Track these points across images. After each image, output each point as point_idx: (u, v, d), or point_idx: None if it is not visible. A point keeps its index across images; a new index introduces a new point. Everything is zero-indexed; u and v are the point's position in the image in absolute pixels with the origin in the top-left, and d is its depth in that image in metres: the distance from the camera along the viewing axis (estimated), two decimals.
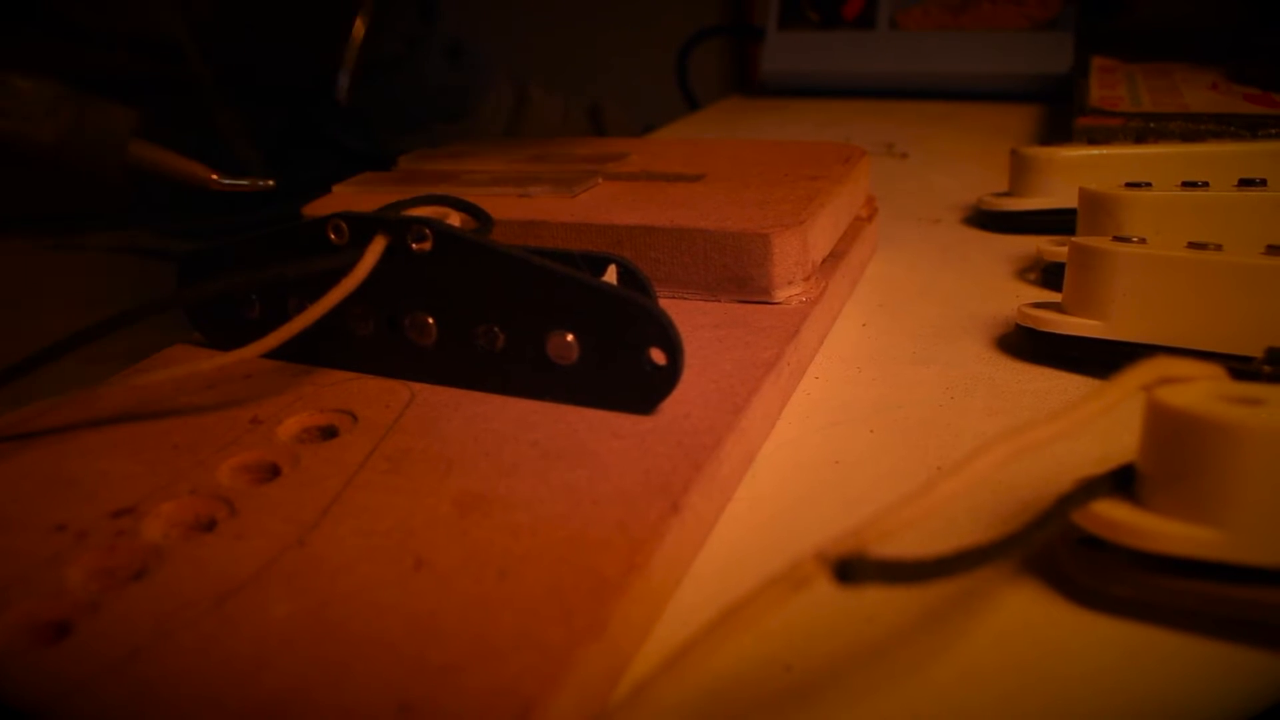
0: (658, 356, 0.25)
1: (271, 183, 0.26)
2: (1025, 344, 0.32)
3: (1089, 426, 0.19)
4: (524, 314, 0.26)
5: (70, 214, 0.54)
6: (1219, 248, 0.29)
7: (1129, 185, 0.35)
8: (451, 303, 0.27)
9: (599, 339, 0.25)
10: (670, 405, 0.25)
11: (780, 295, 0.33)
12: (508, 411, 0.26)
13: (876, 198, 0.44)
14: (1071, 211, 0.37)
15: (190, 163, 0.26)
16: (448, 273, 0.27)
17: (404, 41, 0.75)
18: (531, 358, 0.26)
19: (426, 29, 0.78)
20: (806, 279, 0.33)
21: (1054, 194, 0.43)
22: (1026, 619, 0.20)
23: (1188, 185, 0.35)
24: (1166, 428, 0.19)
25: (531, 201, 0.37)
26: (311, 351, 0.29)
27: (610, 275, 0.28)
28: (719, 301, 0.33)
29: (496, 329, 0.27)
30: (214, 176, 0.26)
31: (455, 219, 0.29)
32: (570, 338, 0.26)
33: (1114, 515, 0.20)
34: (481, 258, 0.26)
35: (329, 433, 0.26)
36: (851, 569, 0.15)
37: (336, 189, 0.40)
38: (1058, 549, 0.21)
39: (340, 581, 0.19)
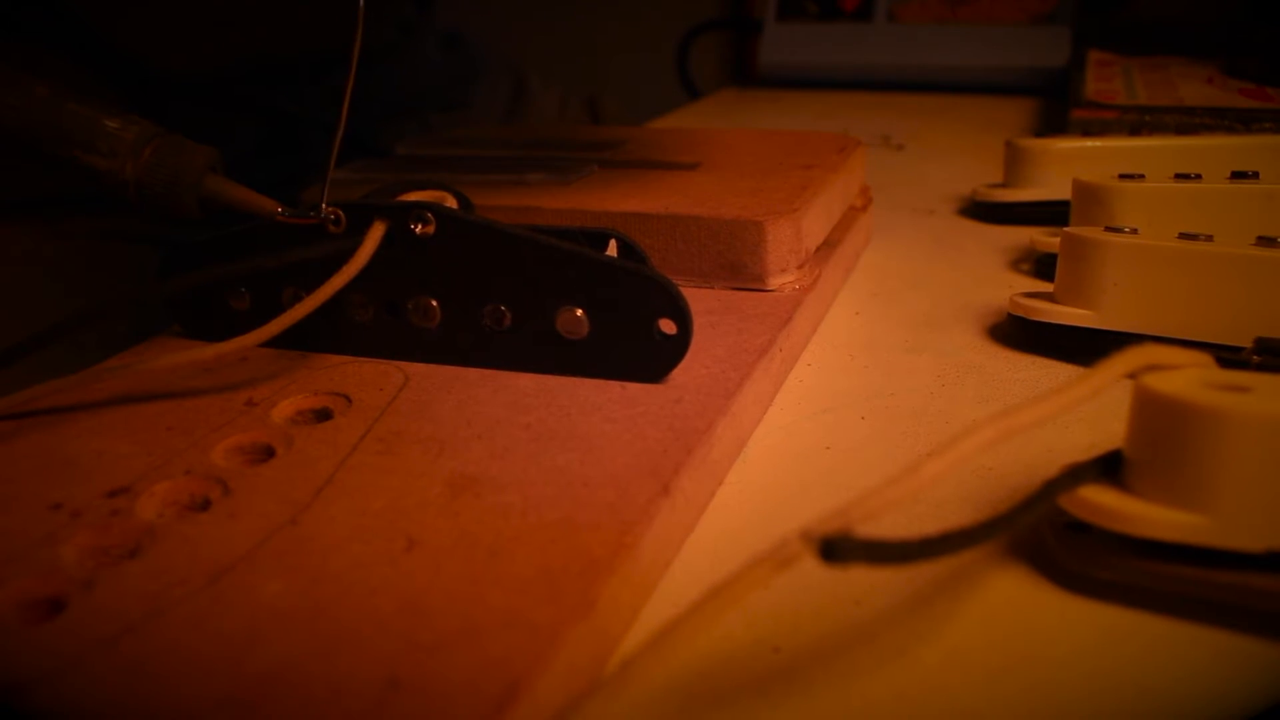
0: (667, 327, 0.26)
1: (338, 214, 0.27)
2: (1017, 333, 0.32)
3: (1075, 410, 0.19)
4: (532, 292, 0.27)
5: (55, 199, 0.54)
6: (1210, 239, 0.29)
7: (1122, 176, 0.35)
8: (456, 285, 0.27)
9: (609, 312, 0.26)
10: (662, 390, 0.26)
11: (774, 283, 0.33)
12: (501, 395, 0.26)
13: (872, 188, 0.44)
14: (1065, 203, 0.37)
15: (259, 196, 0.28)
16: (452, 255, 0.27)
17: (399, 29, 0.75)
18: (540, 334, 0.27)
19: (422, 17, 0.78)
20: (800, 267, 0.33)
21: (1048, 185, 0.43)
22: (1013, 602, 0.20)
23: (1181, 177, 0.35)
24: (1154, 414, 0.20)
25: (527, 189, 0.37)
26: (309, 338, 0.29)
27: (610, 250, 0.29)
28: (712, 288, 0.33)
29: (504, 308, 0.27)
30: (279, 210, 0.27)
31: (452, 203, 0.29)
32: (580, 313, 0.26)
33: (1100, 500, 0.20)
34: (488, 239, 0.27)
35: (323, 415, 0.26)
36: (836, 548, 0.15)
37: (333, 175, 0.40)
38: (1045, 533, 0.21)
39: (332, 560, 0.19)
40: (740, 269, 0.33)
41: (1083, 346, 0.30)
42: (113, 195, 0.27)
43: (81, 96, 0.27)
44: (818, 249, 0.36)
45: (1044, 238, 0.38)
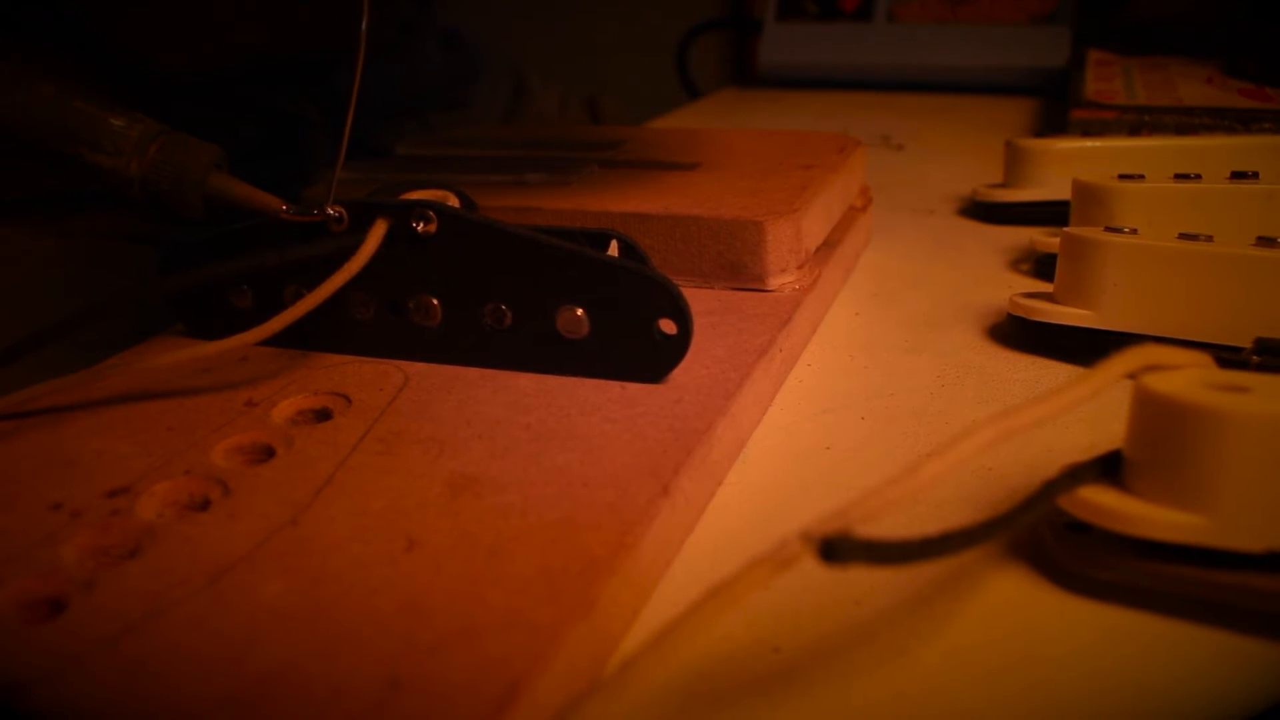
0: (668, 327, 0.26)
1: (340, 212, 0.27)
2: (1017, 333, 0.32)
3: (1074, 411, 0.19)
4: (533, 291, 0.27)
5: (56, 198, 0.54)
6: (1210, 239, 0.29)
7: (1122, 177, 0.35)
8: (457, 284, 0.27)
9: (610, 312, 0.26)
10: (662, 390, 0.26)
11: (773, 283, 0.33)
12: (501, 395, 0.26)
13: (872, 189, 0.44)
14: (1065, 203, 0.37)
15: (263, 194, 0.28)
16: (453, 254, 0.27)
17: (399, 29, 0.75)
18: (541, 333, 0.27)
19: (422, 17, 0.78)
20: (800, 267, 0.33)
21: (1048, 185, 0.43)
22: (1012, 603, 0.20)
23: (1180, 177, 0.35)
24: (1153, 414, 0.20)
25: (527, 189, 0.37)
26: (310, 336, 0.29)
27: (611, 251, 0.29)
28: (712, 289, 0.33)
29: (504, 307, 0.27)
30: (283, 208, 0.27)
31: (454, 202, 0.30)
32: (580, 312, 0.26)
33: (1100, 500, 0.20)
34: (489, 238, 0.27)
35: (323, 415, 0.26)
36: (836, 549, 0.15)
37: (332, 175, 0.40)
38: (1044, 534, 0.21)
39: (332, 560, 0.19)
40: (740, 269, 0.33)
41: (1083, 347, 0.30)
42: (117, 193, 0.28)
43: (87, 94, 0.27)
44: (818, 249, 0.36)
45: (1044, 238, 0.38)
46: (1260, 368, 0.24)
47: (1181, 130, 0.51)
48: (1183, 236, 0.29)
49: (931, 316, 0.35)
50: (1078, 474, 0.20)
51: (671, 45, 0.99)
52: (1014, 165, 0.45)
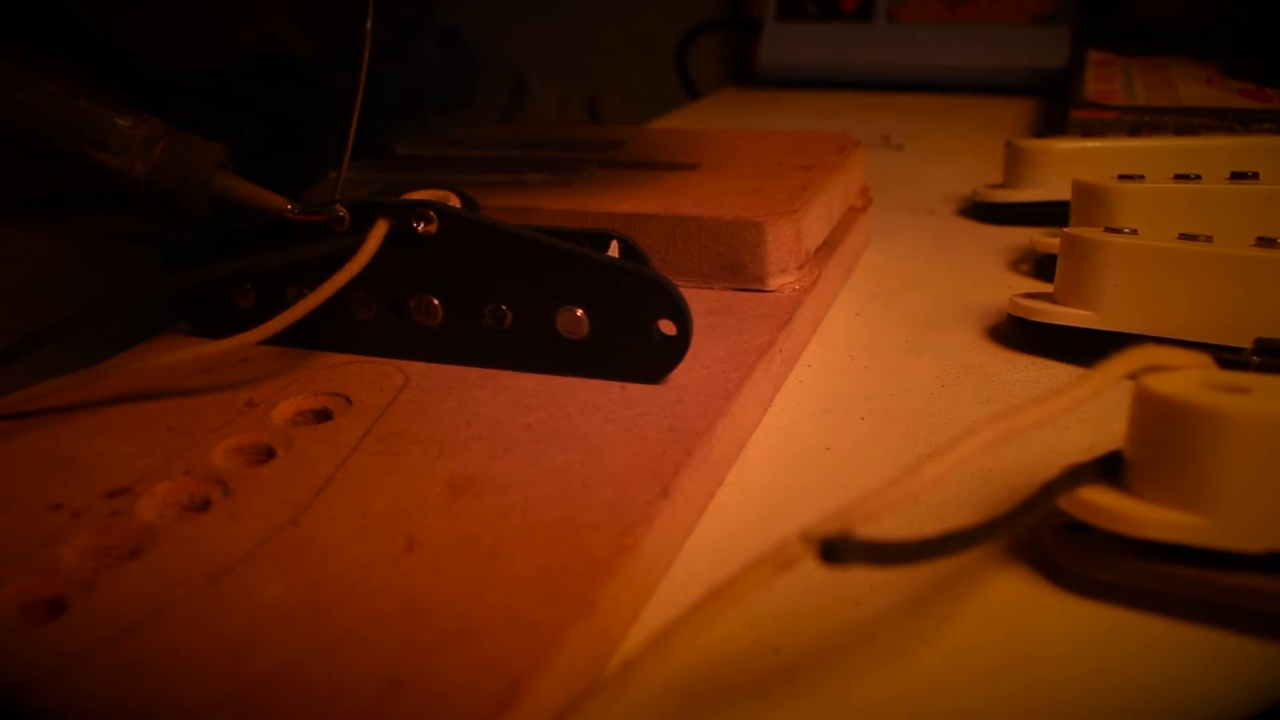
0: (667, 328, 0.26)
1: (345, 213, 0.27)
2: (1017, 334, 0.32)
3: (1074, 412, 0.19)
4: (533, 292, 0.27)
5: (57, 198, 0.54)
6: (1210, 239, 0.29)
7: (1122, 177, 0.35)
8: (458, 284, 0.27)
9: (610, 313, 0.26)
10: (662, 390, 0.26)
11: (773, 283, 0.33)
12: (501, 395, 0.26)
13: (872, 189, 0.44)
14: (1065, 203, 0.37)
15: (268, 194, 0.28)
16: (454, 254, 0.27)
17: (399, 29, 0.75)
18: (541, 333, 0.27)
19: (422, 17, 0.78)
20: (800, 267, 0.33)
21: (1048, 186, 0.43)
22: (1012, 603, 0.20)
23: (1180, 178, 0.35)
24: (1153, 415, 0.20)
25: (528, 189, 0.37)
26: (312, 336, 0.29)
27: (612, 251, 0.29)
28: (712, 289, 0.33)
29: (505, 307, 0.27)
30: (289, 207, 0.27)
31: (455, 202, 0.30)
32: (580, 313, 0.26)
33: (1100, 501, 0.20)
34: (489, 238, 0.27)
35: (323, 415, 0.26)
36: (837, 549, 0.16)
37: (334, 175, 0.40)
38: (1044, 534, 0.21)
39: (332, 561, 0.19)
40: (740, 270, 0.33)
41: (1083, 347, 0.30)
42: (122, 193, 0.28)
43: (92, 94, 0.27)
44: (818, 249, 0.36)
45: (1044, 238, 0.38)
46: (1260, 368, 0.24)
47: (1181, 130, 0.51)
48: (1183, 237, 0.29)
49: (931, 317, 0.35)
50: (1078, 474, 0.20)
51: (671, 45, 0.99)
52: (1014, 165, 0.45)
